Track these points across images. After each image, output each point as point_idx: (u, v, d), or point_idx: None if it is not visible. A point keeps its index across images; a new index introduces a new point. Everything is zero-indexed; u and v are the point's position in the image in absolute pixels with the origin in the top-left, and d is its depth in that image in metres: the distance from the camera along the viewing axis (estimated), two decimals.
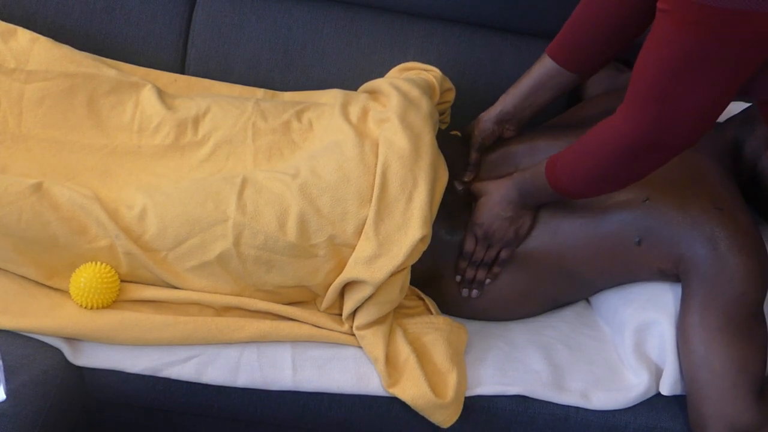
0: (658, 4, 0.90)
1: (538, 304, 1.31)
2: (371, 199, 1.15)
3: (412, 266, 1.17)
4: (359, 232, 1.15)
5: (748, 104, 1.38)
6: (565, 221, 1.21)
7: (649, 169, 1.06)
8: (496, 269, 1.25)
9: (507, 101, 1.31)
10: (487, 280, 1.26)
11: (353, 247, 1.15)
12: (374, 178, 1.16)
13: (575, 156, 1.10)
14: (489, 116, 1.33)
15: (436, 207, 1.20)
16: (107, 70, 1.31)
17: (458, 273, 1.26)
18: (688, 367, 1.13)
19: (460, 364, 1.15)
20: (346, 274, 1.14)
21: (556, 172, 1.13)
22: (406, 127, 1.20)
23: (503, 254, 1.24)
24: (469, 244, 1.24)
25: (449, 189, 1.26)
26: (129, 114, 1.28)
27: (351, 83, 1.48)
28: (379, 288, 1.13)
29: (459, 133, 1.49)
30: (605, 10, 1.17)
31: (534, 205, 1.21)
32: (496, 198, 1.21)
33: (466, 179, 1.31)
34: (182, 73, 1.54)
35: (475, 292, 1.26)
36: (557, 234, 1.21)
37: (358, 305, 1.15)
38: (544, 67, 1.26)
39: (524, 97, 1.29)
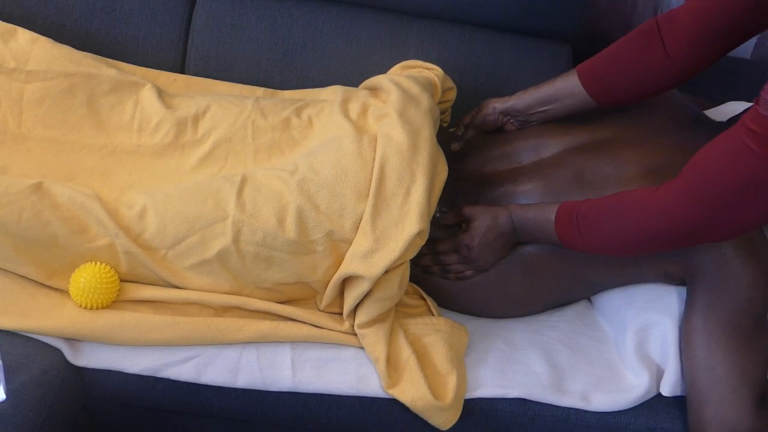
0: (748, 122, 0.90)
1: (541, 303, 1.30)
2: (369, 194, 1.15)
3: (411, 261, 1.17)
4: (357, 227, 1.14)
5: (749, 104, 1.38)
6: None
7: (677, 248, 1.06)
8: (451, 276, 1.25)
9: (521, 99, 1.31)
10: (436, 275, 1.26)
11: (351, 243, 1.15)
12: (372, 173, 1.16)
13: (599, 218, 1.08)
14: (498, 105, 1.33)
15: (435, 202, 1.19)
16: (107, 69, 1.31)
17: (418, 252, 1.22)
18: (689, 370, 1.13)
19: (461, 367, 1.15)
20: (343, 270, 1.14)
21: (570, 226, 1.11)
22: (405, 122, 1.20)
23: (468, 273, 1.24)
24: (445, 248, 1.24)
25: (449, 184, 1.26)
26: (129, 113, 1.28)
27: (351, 83, 1.48)
28: (378, 284, 1.13)
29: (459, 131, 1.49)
30: (647, 60, 1.16)
31: (526, 241, 1.21)
32: (491, 226, 1.20)
33: (453, 148, 1.32)
34: (182, 73, 1.54)
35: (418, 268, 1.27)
36: None
37: (358, 302, 1.15)
38: (567, 81, 1.25)
39: (539, 102, 1.29)
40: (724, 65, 1.82)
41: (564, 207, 1.13)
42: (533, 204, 1.19)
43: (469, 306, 1.29)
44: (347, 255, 1.14)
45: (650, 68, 1.16)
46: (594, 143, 1.27)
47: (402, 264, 1.15)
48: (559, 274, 1.24)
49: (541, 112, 1.30)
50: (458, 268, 1.24)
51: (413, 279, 1.27)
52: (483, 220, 1.21)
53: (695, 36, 1.11)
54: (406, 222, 1.13)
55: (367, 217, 1.13)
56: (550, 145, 1.28)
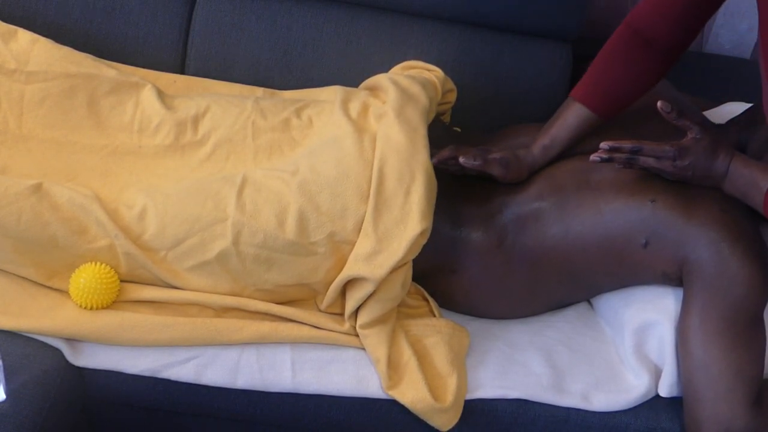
0: None
1: (541, 304, 1.30)
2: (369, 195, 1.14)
3: (414, 260, 1.17)
4: (359, 228, 1.14)
5: (749, 105, 1.38)
6: (575, 222, 1.20)
7: None
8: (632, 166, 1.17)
9: (547, 154, 1.28)
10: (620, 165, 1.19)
11: (353, 244, 1.14)
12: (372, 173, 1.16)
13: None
14: (529, 161, 1.28)
15: (433, 200, 1.19)
16: (107, 70, 1.31)
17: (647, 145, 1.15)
18: (685, 369, 1.13)
19: (461, 368, 1.15)
20: (347, 272, 1.13)
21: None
22: (403, 122, 1.20)
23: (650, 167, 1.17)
24: (651, 150, 1.15)
25: (450, 186, 1.26)
26: (129, 114, 1.28)
27: (350, 83, 1.48)
28: (381, 284, 1.13)
29: (459, 129, 1.49)
30: (637, 63, 1.21)
31: (729, 191, 1.16)
32: (706, 157, 1.15)
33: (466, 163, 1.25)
34: (182, 73, 1.54)
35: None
36: (568, 235, 1.20)
37: (360, 303, 1.14)
38: (579, 117, 1.25)
39: (565, 149, 1.28)
40: (724, 65, 1.82)
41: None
42: (757, 163, 1.15)
43: (471, 307, 1.29)
44: (351, 257, 1.14)
45: (643, 68, 1.21)
46: (593, 147, 1.27)
47: (405, 264, 1.15)
48: (559, 275, 1.24)
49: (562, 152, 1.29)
50: (649, 165, 1.16)
51: (416, 279, 1.26)
52: (701, 149, 1.15)
53: (672, 20, 1.16)
54: (409, 222, 1.13)
55: (368, 218, 1.13)
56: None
